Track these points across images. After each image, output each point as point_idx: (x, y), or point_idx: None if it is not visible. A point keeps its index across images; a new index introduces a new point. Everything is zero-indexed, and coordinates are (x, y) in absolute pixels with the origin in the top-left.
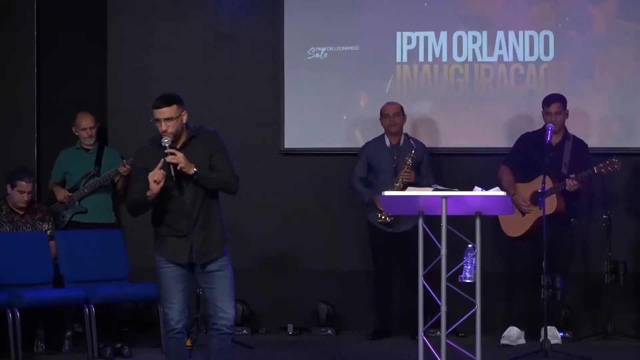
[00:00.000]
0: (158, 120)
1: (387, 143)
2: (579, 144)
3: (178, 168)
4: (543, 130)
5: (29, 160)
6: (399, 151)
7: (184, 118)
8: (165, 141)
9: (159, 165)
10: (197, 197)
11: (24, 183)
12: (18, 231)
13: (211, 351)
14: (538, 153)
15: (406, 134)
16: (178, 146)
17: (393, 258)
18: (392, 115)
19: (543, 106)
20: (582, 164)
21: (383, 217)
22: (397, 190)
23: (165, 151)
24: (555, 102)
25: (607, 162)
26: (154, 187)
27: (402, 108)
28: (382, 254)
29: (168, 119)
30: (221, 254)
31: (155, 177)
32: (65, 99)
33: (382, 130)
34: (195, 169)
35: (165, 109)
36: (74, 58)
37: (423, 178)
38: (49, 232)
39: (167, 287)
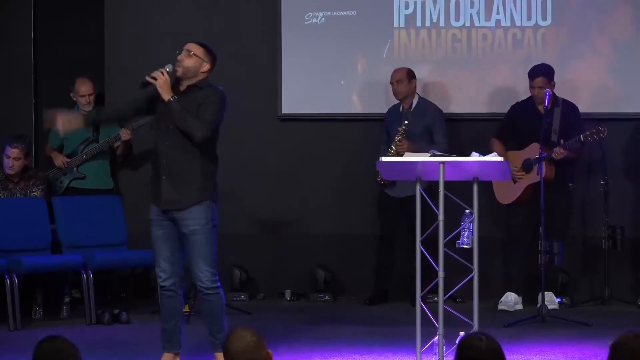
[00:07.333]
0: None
1: (401, 108)
2: (568, 107)
3: (157, 86)
4: (531, 99)
5: (27, 125)
6: (409, 116)
7: (205, 68)
8: (168, 66)
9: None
10: (175, 141)
11: (10, 148)
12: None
13: (203, 312)
14: (528, 122)
15: (423, 100)
16: (182, 88)
17: (397, 222)
18: (395, 82)
19: (529, 78)
20: (573, 127)
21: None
22: (392, 156)
23: (159, 70)
24: (538, 77)
25: (594, 130)
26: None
27: (407, 74)
28: (387, 218)
29: (191, 52)
30: (190, 207)
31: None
32: (63, 63)
33: (380, 95)
34: (170, 98)
35: (194, 45)
36: (71, 20)
37: (435, 145)
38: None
39: (153, 245)
